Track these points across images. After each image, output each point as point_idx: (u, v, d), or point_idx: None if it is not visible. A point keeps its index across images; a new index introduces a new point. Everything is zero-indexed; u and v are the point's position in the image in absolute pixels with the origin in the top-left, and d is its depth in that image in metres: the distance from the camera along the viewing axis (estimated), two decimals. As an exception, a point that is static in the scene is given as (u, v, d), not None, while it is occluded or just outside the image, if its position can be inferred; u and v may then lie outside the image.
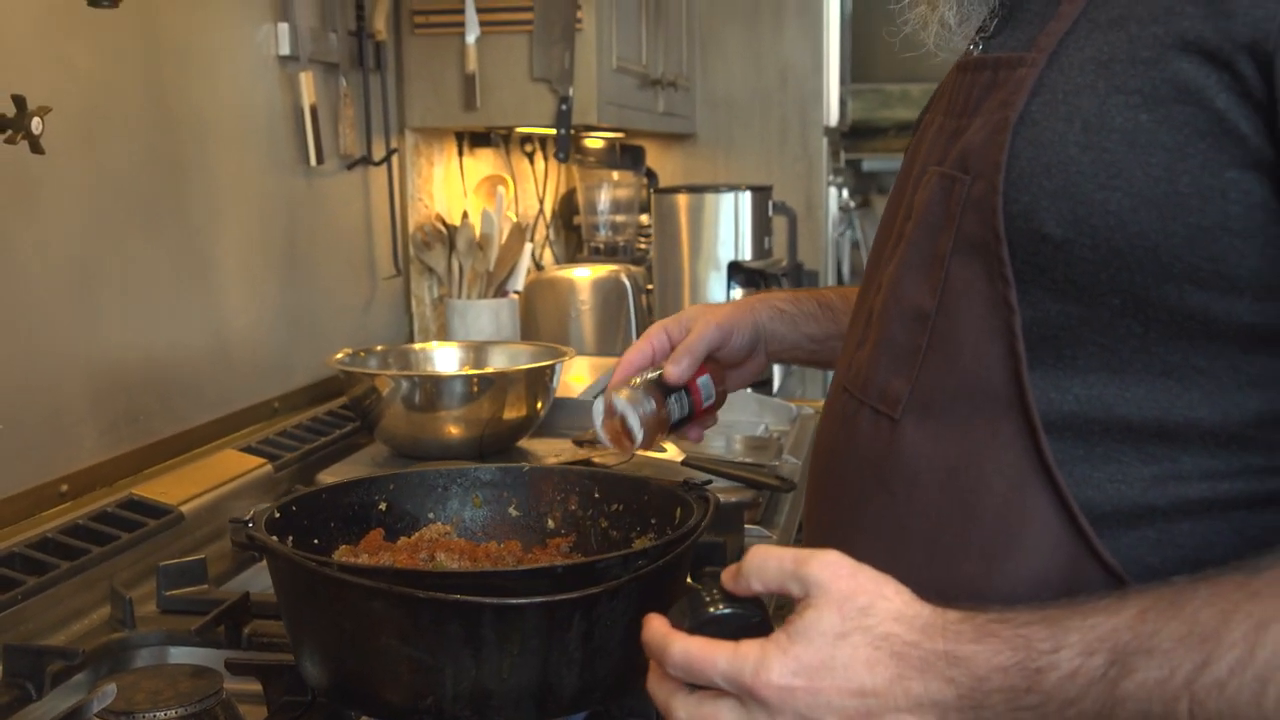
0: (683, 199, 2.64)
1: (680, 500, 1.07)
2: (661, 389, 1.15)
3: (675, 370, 1.16)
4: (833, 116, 3.48)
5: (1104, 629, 0.66)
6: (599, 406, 1.13)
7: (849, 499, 0.88)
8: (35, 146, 1.32)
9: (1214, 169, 0.70)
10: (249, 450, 1.74)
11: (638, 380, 1.16)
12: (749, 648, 0.71)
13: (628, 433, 1.11)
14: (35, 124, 1.31)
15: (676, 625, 0.74)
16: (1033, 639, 0.67)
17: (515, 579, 0.90)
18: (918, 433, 0.82)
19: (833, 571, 0.72)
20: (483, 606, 0.86)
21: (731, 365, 1.24)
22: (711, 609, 0.74)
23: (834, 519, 0.76)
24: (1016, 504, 0.77)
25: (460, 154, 2.66)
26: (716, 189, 2.66)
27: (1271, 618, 0.63)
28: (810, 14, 3.38)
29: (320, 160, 2.03)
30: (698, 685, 0.73)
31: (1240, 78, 0.68)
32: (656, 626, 0.75)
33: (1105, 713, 0.65)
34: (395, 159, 2.34)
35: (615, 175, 3.19)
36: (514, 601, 0.86)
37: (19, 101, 1.30)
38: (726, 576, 0.76)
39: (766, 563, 0.74)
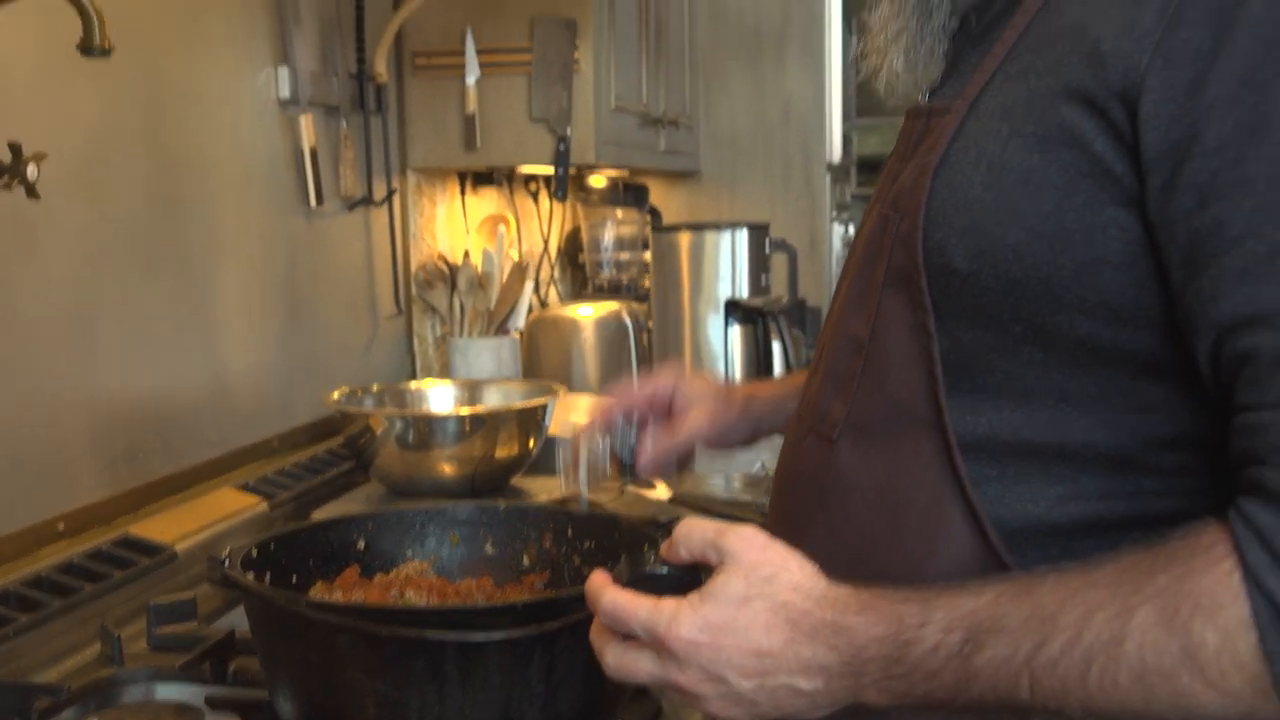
0: (681, 237, 2.67)
1: (649, 537, 1.09)
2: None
3: (646, 464, 1.21)
4: (835, 153, 3.51)
5: (965, 609, 0.72)
6: (566, 441, 1.18)
7: (795, 517, 0.95)
8: (31, 191, 1.36)
9: (1096, 207, 0.75)
10: (246, 489, 1.77)
11: (606, 426, 1.21)
12: (667, 604, 0.78)
13: (576, 475, 1.16)
14: (31, 170, 1.35)
15: (616, 580, 0.81)
16: (904, 615, 0.74)
17: (477, 615, 0.93)
18: (851, 453, 0.89)
19: (746, 544, 0.79)
20: (444, 643, 0.88)
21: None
22: (647, 568, 0.83)
23: (783, 536, 0.81)
24: (936, 520, 0.84)
25: (463, 193, 2.70)
26: (717, 226, 2.69)
27: (1099, 605, 0.69)
28: (812, 51, 3.41)
29: (320, 201, 2.07)
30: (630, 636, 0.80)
31: (1114, 123, 0.74)
32: (597, 578, 0.82)
33: (961, 685, 0.72)
34: (397, 199, 2.38)
35: (619, 213, 3.22)
36: (473, 639, 0.88)
37: (14, 148, 1.33)
38: (664, 546, 0.84)
39: (692, 533, 0.81)
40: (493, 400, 1.97)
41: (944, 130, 0.85)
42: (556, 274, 3.21)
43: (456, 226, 2.69)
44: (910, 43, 0.94)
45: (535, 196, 3.04)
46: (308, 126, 2.04)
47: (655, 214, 3.37)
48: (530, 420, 1.79)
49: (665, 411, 1.26)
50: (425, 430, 1.74)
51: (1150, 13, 0.72)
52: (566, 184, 2.44)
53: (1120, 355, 0.77)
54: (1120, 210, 0.75)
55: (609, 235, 3.22)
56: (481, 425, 1.75)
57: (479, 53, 2.39)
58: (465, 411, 1.85)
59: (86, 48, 1.25)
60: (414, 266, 2.48)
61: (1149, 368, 0.77)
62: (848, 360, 0.91)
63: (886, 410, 0.87)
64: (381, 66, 2.28)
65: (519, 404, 1.84)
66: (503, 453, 1.77)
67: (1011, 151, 0.79)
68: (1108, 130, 0.74)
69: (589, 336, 2.73)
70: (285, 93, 1.99)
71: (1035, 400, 0.80)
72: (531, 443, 1.82)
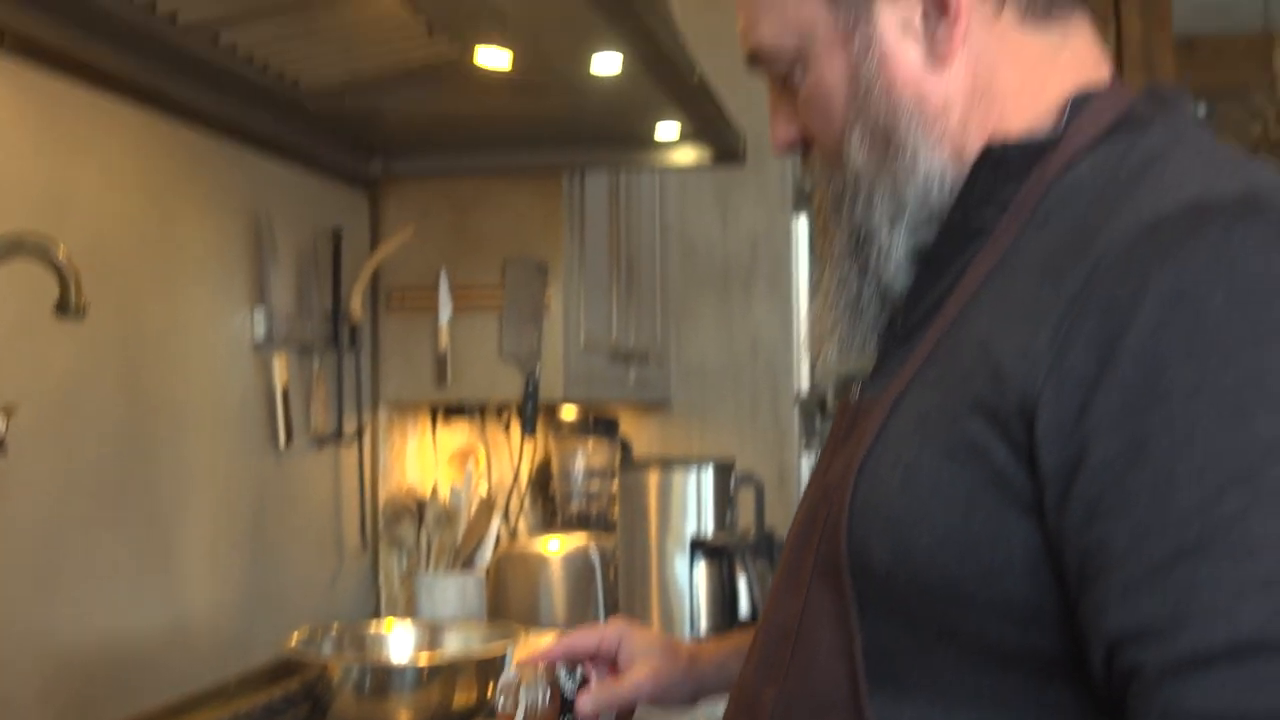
0: (648, 475, 2.69)
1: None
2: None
3: (587, 712, 1.22)
4: (803, 387, 3.57)
5: None
6: (509, 676, 1.21)
7: None
8: (-1, 445, 1.38)
9: (1000, 516, 0.78)
10: (200, 735, 1.74)
11: (548, 668, 1.23)
12: None
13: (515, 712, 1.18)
14: (0, 424, 1.37)
15: None
16: None
17: None
18: None
19: None
20: None
21: None
22: None
23: None
24: None
25: (434, 425, 2.73)
26: (684, 464, 2.71)
27: None
28: (780, 287, 3.50)
29: (290, 441, 2.09)
30: None
31: (1014, 439, 0.77)
32: None
33: None
34: (367, 434, 2.41)
35: (590, 444, 3.25)
36: None
37: (-15, 402, 1.36)
38: None
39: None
40: (453, 644, 1.96)
41: (869, 428, 0.88)
42: (527, 504, 3.22)
43: (427, 459, 2.71)
44: (843, 338, 0.98)
45: (507, 427, 3.07)
46: (281, 367, 2.07)
47: (626, 445, 3.40)
48: (489, 667, 1.79)
49: (610, 663, 1.27)
50: (382, 678, 1.72)
51: (1044, 338, 0.76)
52: (535, 421, 2.48)
53: (1031, 657, 0.79)
54: (1022, 520, 0.77)
55: (579, 466, 3.25)
56: (439, 674, 1.74)
57: (452, 291, 2.45)
58: (423, 661, 1.84)
59: (63, 308, 1.29)
60: (382, 501, 2.49)
61: (1059, 670, 0.78)
62: (777, 646, 0.93)
63: (812, 701, 0.88)
64: (357, 305, 2.33)
65: (478, 651, 1.83)
66: (461, 700, 1.76)
67: (924, 459, 0.82)
68: (1009, 444, 0.77)
69: (555, 572, 2.72)
70: (260, 334, 2.03)
71: (954, 698, 0.82)
72: (490, 689, 1.80)
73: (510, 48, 1.70)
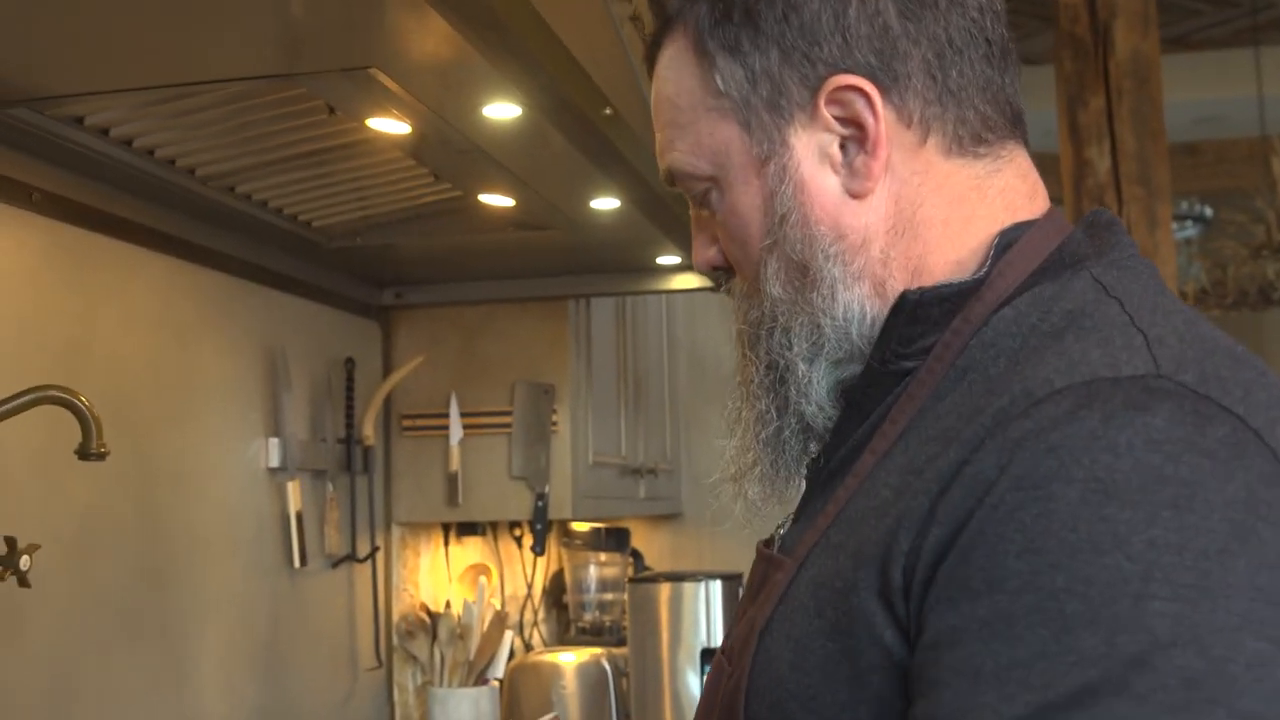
0: (658, 589, 2.74)
1: None
2: None
3: None
4: (813, 495, 3.61)
5: None
6: None
7: None
8: (23, 582, 1.45)
9: (889, 701, 0.73)
10: None
11: None
12: None
13: None
14: (24, 561, 1.44)
15: None
16: None
17: None
18: None
19: None
20: None
21: None
22: None
23: None
24: None
25: (446, 543, 2.79)
26: (693, 577, 2.76)
27: None
28: (788, 400, 3.57)
29: (304, 563, 2.16)
30: None
31: (897, 612, 0.72)
32: None
33: None
34: (380, 553, 2.47)
35: (602, 556, 3.30)
36: None
37: (10, 542, 1.43)
38: None
39: None
40: (463, 764, 2.00)
41: (775, 588, 0.83)
42: (540, 615, 3.27)
43: (440, 575, 2.77)
44: (764, 474, 0.92)
45: (519, 541, 3.13)
46: (295, 492, 2.14)
47: (637, 556, 3.45)
48: (497, 788, 1.83)
49: None
50: (393, 800, 1.77)
51: (925, 506, 0.73)
52: (544, 540, 2.54)
53: None
54: (913, 703, 0.72)
55: (592, 577, 3.29)
56: (448, 795, 1.78)
57: (462, 415, 2.53)
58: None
59: (85, 454, 1.37)
60: (396, 617, 2.55)
61: None
62: None
63: None
64: (369, 430, 2.41)
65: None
66: (469, 821, 1.80)
67: (814, 633, 0.77)
68: (895, 622, 0.72)
69: (569, 684, 2.76)
70: (275, 462, 2.11)
71: None
72: (498, 810, 1.84)
73: (512, 196, 1.79)
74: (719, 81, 0.88)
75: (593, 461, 2.68)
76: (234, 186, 1.77)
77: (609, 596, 3.30)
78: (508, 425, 2.52)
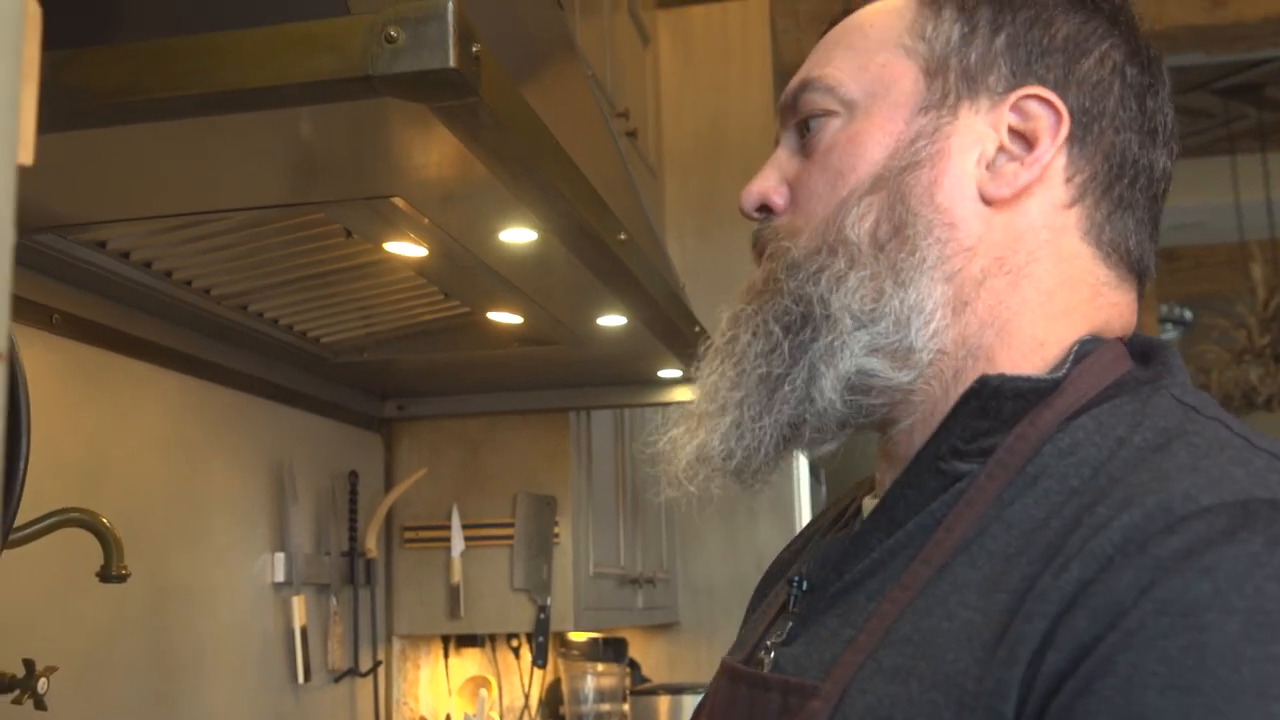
0: (659, 701, 2.73)
1: None
2: None
3: None
4: (809, 602, 3.61)
5: None
6: None
7: None
8: (39, 704, 1.44)
9: None
10: None
11: None
12: None
13: None
14: (42, 684, 1.44)
15: None
16: None
17: None
18: None
19: None
20: None
21: None
22: None
23: None
24: None
25: (446, 655, 2.78)
26: (695, 688, 2.76)
27: None
28: (782, 507, 3.59)
29: (308, 678, 2.15)
30: None
31: None
32: None
33: None
34: (381, 666, 2.46)
35: (599, 666, 3.28)
36: None
37: (28, 665, 1.43)
38: None
39: None
40: None
41: (812, 717, 0.73)
42: (537, 728, 3.24)
43: (439, 688, 2.75)
44: (739, 424, 0.82)
45: (517, 652, 3.12)
46: (300, 607, 2.14)
47: (635, 666, 3.43)
48: None
49: None
50: None
51: (1036, 629, 0.65)
52: (546, 653, 2.53)
53: None
54: None
55: (589, 688, 3.28)
56: None
57: (464, 526, 2.54)
58: None
59: (106, 576, 1.37)
60: (396, 733, 2.53)
61: None
62: None
63: None
64: (372, 543, 2.41)
65: None
66: None
67: None
68: None
69: (568, 798, 2.74)
70: (280, 577, 2.11)
71: None
72: None
73: (520, 314, 1.82)
74: (929, 29, 0.84)
75: (593, 572, 2.69)
76: (247, 305, 1.80)
77: (606, 707, 3.28)
78: (509, 537, 2.53)
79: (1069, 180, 0.82)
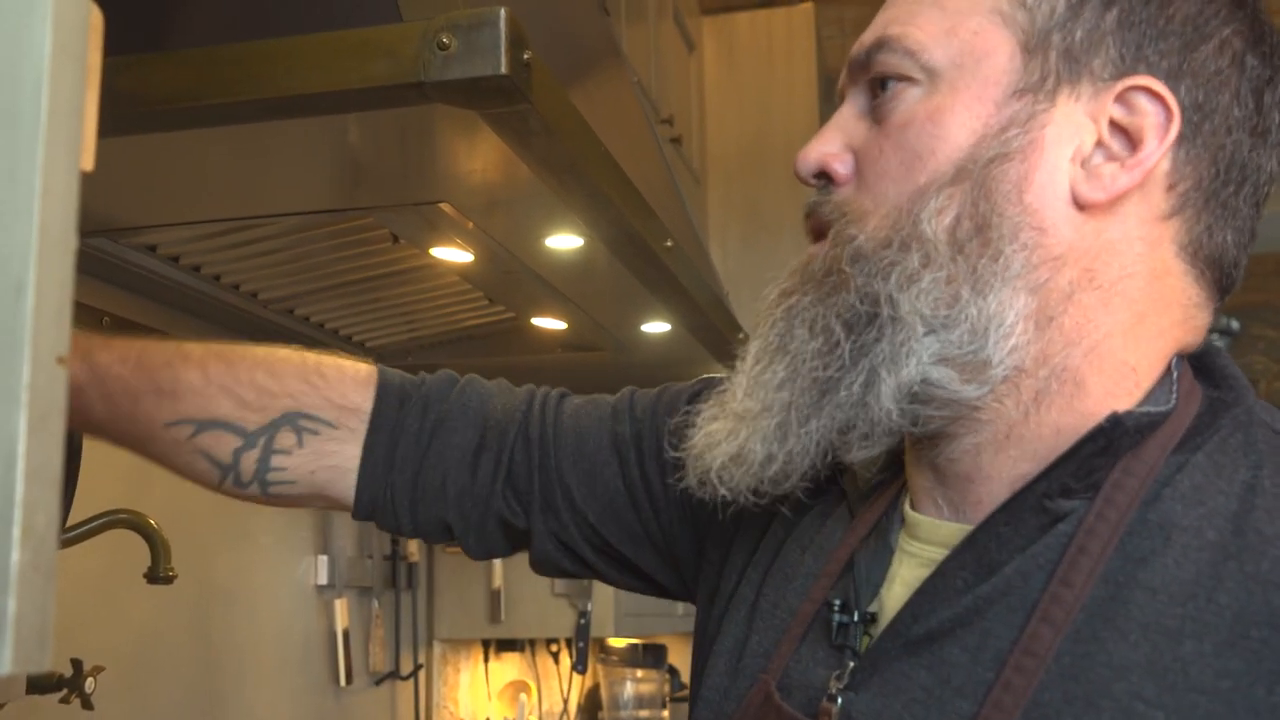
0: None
1: None
2: None
3: None
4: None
5: None
6: None
7: None
8: (86, 704, 1.46)
9: None
10: None
11: None
12: None
13: None
14: (89, 684, 1.46)
15: None
16: None
17: None
18: None
19: None
20: None
21: None
22: None
23: None
24: None
25: (486, 659, 2.78)
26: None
27: None
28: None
29: (350, 681, 2.16)
30: None
31: None
32: None
33: None
34: (422, 670, 2.47)
35: (639, 672, 3.28)
36: None
37: (76, 664, 1.44)
38: None
39: None
40: None
41: None
42: (576, 733, 3.24)
43: (479, 692, 2.76)
44: (784, 427, 0.74)
45: (556, 657, 3.12)
46: (342, 610, 2.15)
47: (674, 672, 3.43)
48: None
49: None
50: None
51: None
52: (587, 658, 2.53)
53: None
54: None
55: (628, 694, 3.27)
56: None
57: (506, 531, 2.54)
58: None
59: (154, 577, 1.39)
60: (436, 736, 2.54)
61: None
62: None
63: None
64: (414, 547, 2.42)
65: None
66: None
67: None
68: None
69: (607, 804, 2.74)
70: (323, 579, 2.12)
71: None
72: None
73: (565, 320, 1.82)
74: None
75: (633, 578, 2.68)
76: (293, 309, 1.81)
77: (645, 713, 3.27)
78: (550, 542, 2.53)
79: (1170, 188, 0.73)
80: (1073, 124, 0.72)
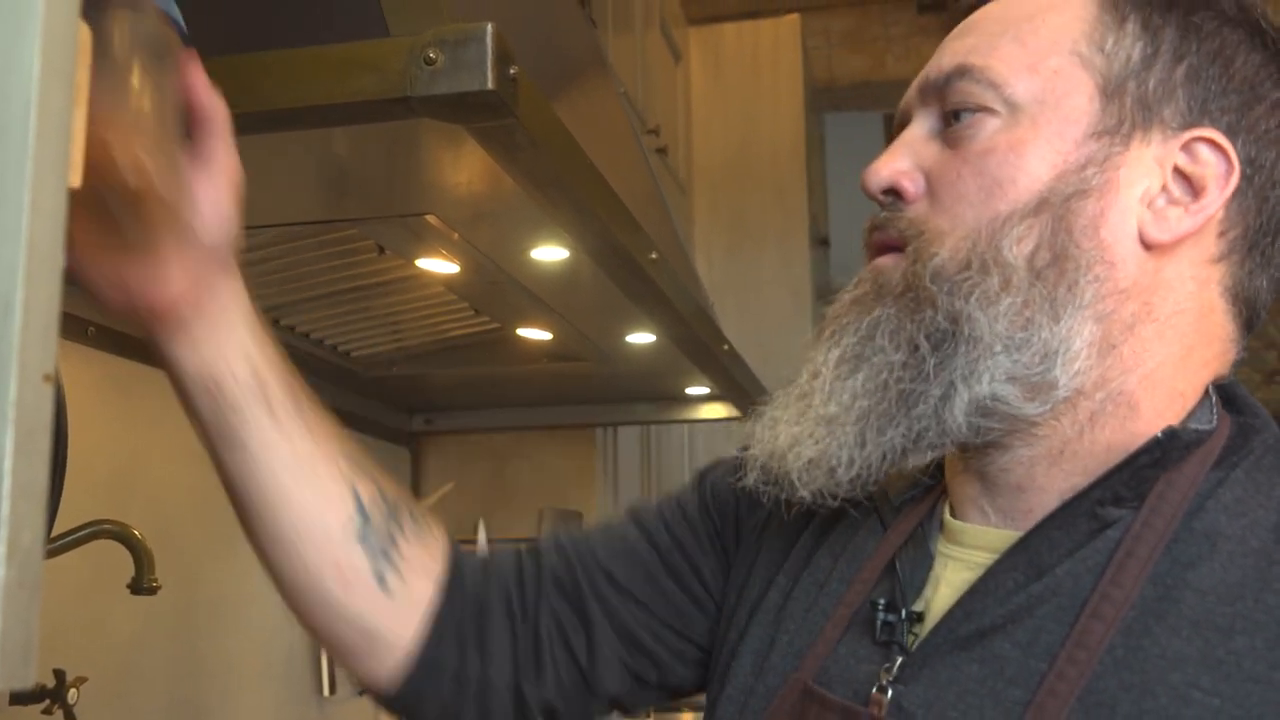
0: (683, 716, 2.72)
1: None
2: None
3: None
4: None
5: None
6: None
7: None
8: (69, 714, 1.45)
9: None
10: None
11: None
12: None
13: None
14: (72, 695, 1.45)
15: None
16: None
17: None
18: None
19: None
20: None
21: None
22: None
23: None
24: None
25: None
26: None
27: None
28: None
29: (333, 691, 2.16)
30: None
31: None
32: None
33: None
34: (406, 681, 2.47)
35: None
36: None
37: (59, 675, 1.44)
38: None
39: None
40: None
41: None
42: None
43: (462, 702, 2.76)
44: (862, 432, 0.77)
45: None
46: (326, 620, 2.15)
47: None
48: None
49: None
50: None
51: None
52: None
53: None
54: None
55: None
56: None
57: (490, 541, 2.54)
58: None
59: (137, 588, 1.38)
60: (419, 746, 2.54)
61: None
62: None
63: None
64: (398, 556, 2.42)
65: None
66: None
67: None
68: None
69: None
70: (307, 589, 2.12)
71: None
72: None
73: (550, 330, 1.83)
74: (1109, 41, 0.78)
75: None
76: (279, 319, 1.81)
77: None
78: (535, 552, 2.53)
79: (1222, 234, 0.78)
80: (1143, 167, 0.77)
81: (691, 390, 2.29)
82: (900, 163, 0.81)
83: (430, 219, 1.34)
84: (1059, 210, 0.76)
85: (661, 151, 3.03)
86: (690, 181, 3.59)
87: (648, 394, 2.34)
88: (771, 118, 3.65)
